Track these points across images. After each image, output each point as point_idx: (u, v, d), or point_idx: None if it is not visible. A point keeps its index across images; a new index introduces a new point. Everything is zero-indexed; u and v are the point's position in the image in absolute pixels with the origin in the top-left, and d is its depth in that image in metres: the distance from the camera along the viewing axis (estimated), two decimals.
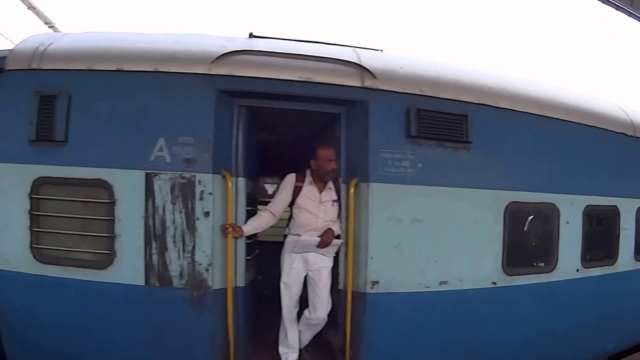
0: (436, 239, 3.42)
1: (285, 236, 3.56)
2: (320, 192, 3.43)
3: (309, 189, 3.42)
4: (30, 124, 3.34)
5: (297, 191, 3.42)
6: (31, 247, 3.34)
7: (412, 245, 3.38)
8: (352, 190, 3.34)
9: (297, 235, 3.42)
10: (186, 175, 3.22)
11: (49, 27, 7.78)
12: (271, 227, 3.58)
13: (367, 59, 3.52)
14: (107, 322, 3.34)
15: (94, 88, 3.36)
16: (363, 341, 3.35)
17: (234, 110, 3.41)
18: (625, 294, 4.28)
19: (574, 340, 3.84)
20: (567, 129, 3.83)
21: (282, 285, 3.47)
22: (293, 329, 3.51)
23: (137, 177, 3.24)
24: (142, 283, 3.26)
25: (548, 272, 3.72)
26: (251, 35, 3.77)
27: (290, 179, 3.46)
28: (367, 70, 3.41)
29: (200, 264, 3.23)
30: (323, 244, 3.33)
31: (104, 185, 3.27)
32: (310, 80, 3.33)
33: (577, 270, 3.83)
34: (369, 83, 3.39)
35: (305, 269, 3.45)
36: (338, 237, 3.42)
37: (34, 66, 3.42)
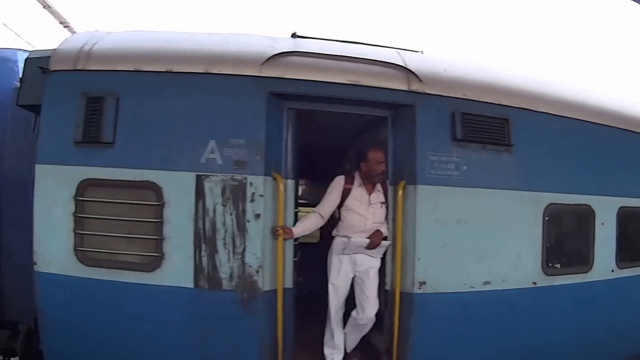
0: (479, 240, 3.48)
1: (332, 238, 3.58)
2: (369, 194, 3.47)
3: (358, 191, 3.46)
4: (76, 125, 3.32)
5: (346, 193, 3.45)
6: (75, 250, 3.31)
7: (457, 245, 3.43)
8: (400, 192, 3.39)
9: (346, 237, 3.45)
10: (237, 177, 3.23)
11: (64, 26, 7.70)
12: None
13: (412, 62, 3.57)
14: (153, 324, 3.33)
15: (142, 89, 3.36)
16: (410, 341, 3.39)
17: (283, 113, 3.43)
18: None
19: (609, 340, 3.92)
20: (601, 132, 3.92)
21: (330, 287, 3.50)
22: (339, 330, 3.54)
23: (187, 179, 3.24)
24: (191, 285, 3.25)
25: (584, 273, 3.81)
26: (294, 35, 3.80)
27: (340, 181, 3.49)
28: (413, 73, 3.46)
29: (250, 266, 3.24)
30: (372, 245, 3.37)
31: (153, 188, 3.26)
32: (359, 84, 3.38)
33: (612, 271, 3.92)
34: (415, 87, 3.45)
35: (353, 270, 3.48)
36: (385, 238, 3.46)
37: (79, 67, 3.40)
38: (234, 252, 3.24)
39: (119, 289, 3.30)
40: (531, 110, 3.66)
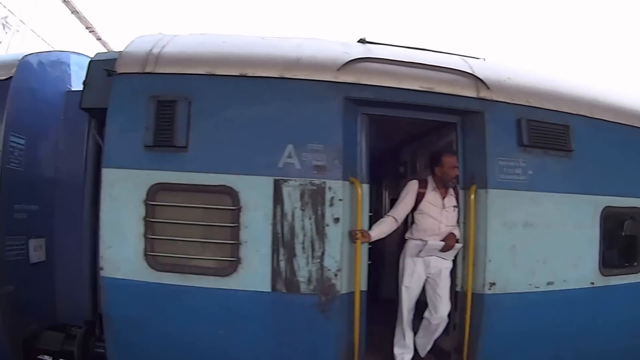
0: (544, 242, 3.58)
1: (405, 240, 3.64)
2: (443, 198, 3.54)
3: (432, 195, 3.53)
4: (146, 129, 3.29)
5: (420, 197, 3.52)
6: (145, 255, 3.28)
7: (524, 247, 3.52)
8: (472, 196, 3.47)
9: (421, 239, 3.52)
10: (316, 181, 3.26)
11: (90, 31, 7.54)
12: None
13: (479, 69, 3.66)
14: (228, 329, 3.33)
15: (216, 93, 3.35)
16: (480, 340, 3.48)
17: (357, 118, 3.47)
18: None
19: None
20: None
21: (402, 289, 3.56)
22: (410, 331, 3.62)
23: (265, 183, 3.25)
24: (268, 289, 3.26)
25: (637, 273, 3.96)
26: (362, 41, 3.84)
27: (413, 185, 3.56)
28: (481, 81, 3.55)
29: (329, 270, 3.27)
30: (447, 247, 3.45)
31: (229, 192, 3.26)
32: (431, 90, 3.45)
33: None
34: (483, 94, 3.53)
35: (425, 272, 3.55)
36: (457, 241, 3.54)
37: (148, 70, 3.37)
38: (312, 256, 3.26)
39: (192, 294, 3.29)
40: (589, 117, 3.80)
